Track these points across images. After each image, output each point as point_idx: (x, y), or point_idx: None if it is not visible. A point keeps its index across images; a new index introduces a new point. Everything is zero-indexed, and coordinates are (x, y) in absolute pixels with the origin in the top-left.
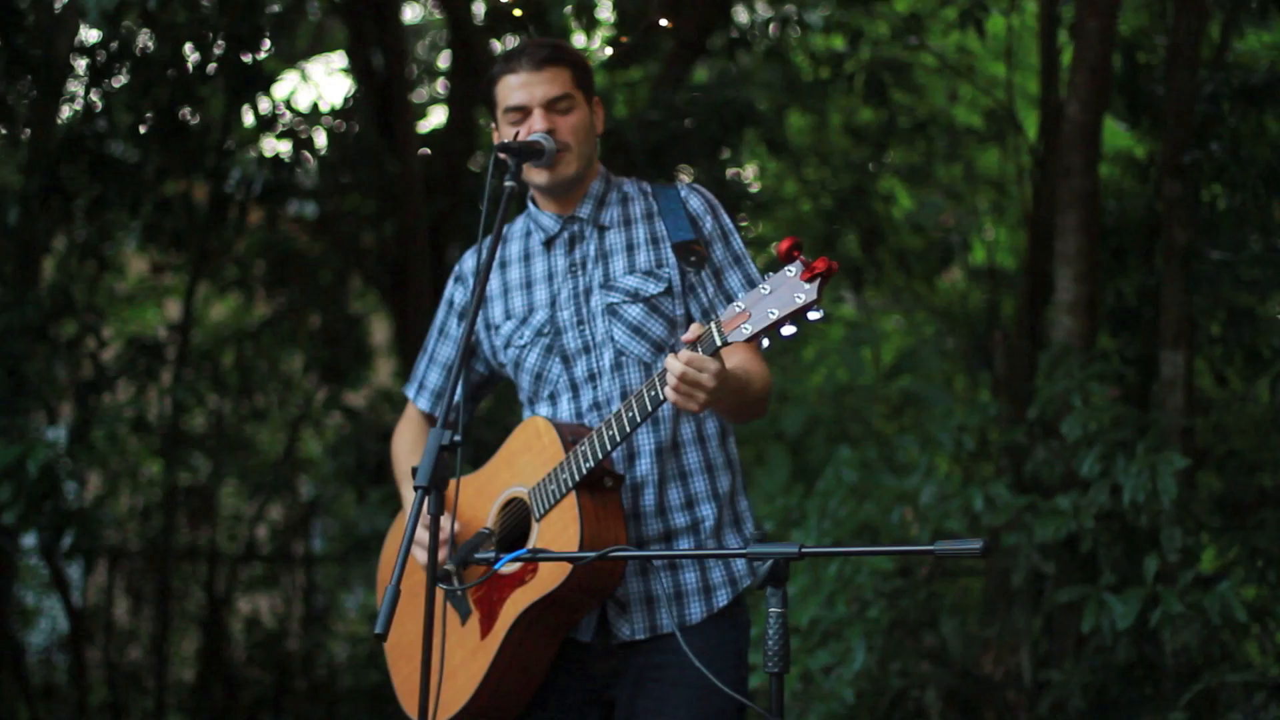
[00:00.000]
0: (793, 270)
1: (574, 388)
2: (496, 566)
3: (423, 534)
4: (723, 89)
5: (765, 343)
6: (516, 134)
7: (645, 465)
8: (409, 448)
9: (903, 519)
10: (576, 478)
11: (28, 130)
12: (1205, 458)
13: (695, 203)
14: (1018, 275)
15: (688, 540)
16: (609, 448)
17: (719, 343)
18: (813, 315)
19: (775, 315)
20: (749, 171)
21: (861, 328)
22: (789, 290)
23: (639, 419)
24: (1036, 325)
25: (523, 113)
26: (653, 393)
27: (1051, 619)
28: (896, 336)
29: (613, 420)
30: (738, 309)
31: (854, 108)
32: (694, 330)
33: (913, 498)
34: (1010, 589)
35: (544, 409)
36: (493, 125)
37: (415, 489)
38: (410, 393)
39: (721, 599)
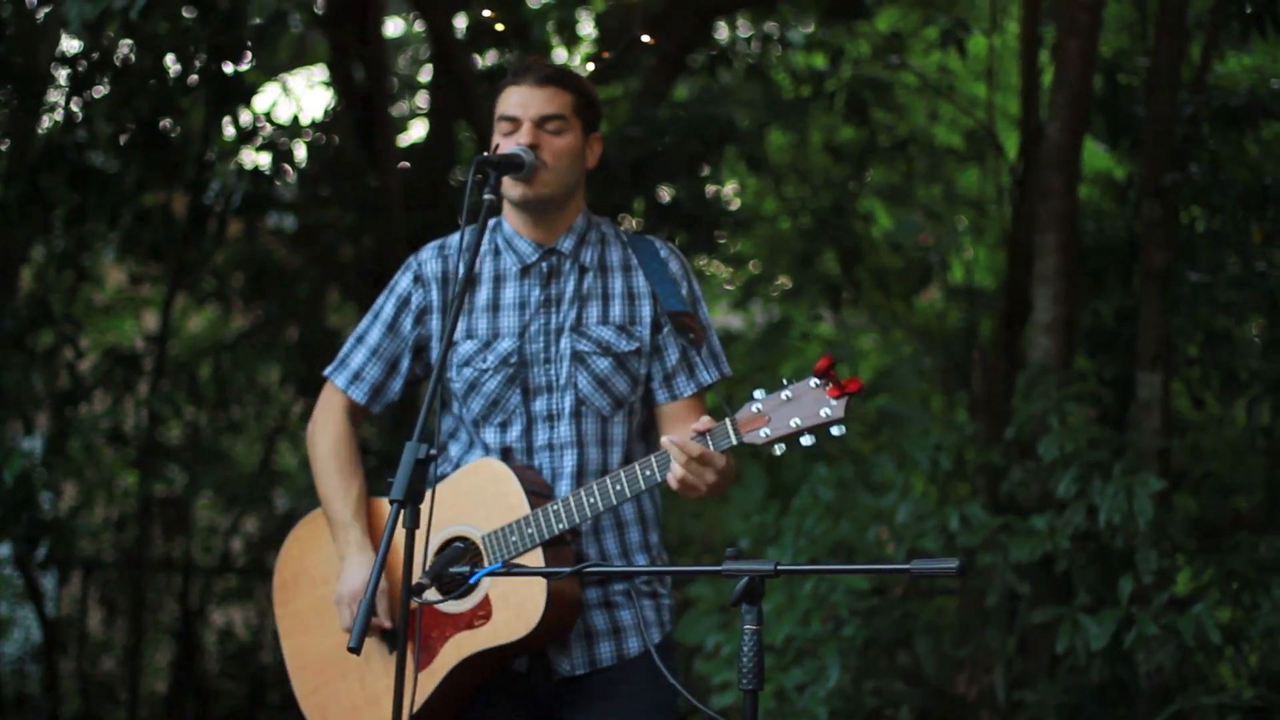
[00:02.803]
0: (816, 383)
1: (529, 421)
2: (473, 580)
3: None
4: (703, 106)
5: (780, 449)
6: (497, 145)
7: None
8: (335, 446)
9: (878, 538)
10: (544, 536)
11: (7, 140)
12: (1181, 479)
13: (675, 266)
14: (996, 295)
15: (622, 584)
16: (588, 515)
17: (733, 441)
18: (836, 431)
19: (798, 425)
20: (729, 189)
21: (839, 346)
22: (815, 403)
23: (628, 495)
24: (1014, 345)
25: (514, 124)
26: (648, 472)
27: (1026, 639)
28: (874, 355)
29: (595, 490)
30: (755, 410)
31: (834, 126)
32: (705, 422)
33: (889, 517)
34: (985, 609)
35: (491, 434)
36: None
37: (391, 502)
38: (340, 381)
39: (655, 636)
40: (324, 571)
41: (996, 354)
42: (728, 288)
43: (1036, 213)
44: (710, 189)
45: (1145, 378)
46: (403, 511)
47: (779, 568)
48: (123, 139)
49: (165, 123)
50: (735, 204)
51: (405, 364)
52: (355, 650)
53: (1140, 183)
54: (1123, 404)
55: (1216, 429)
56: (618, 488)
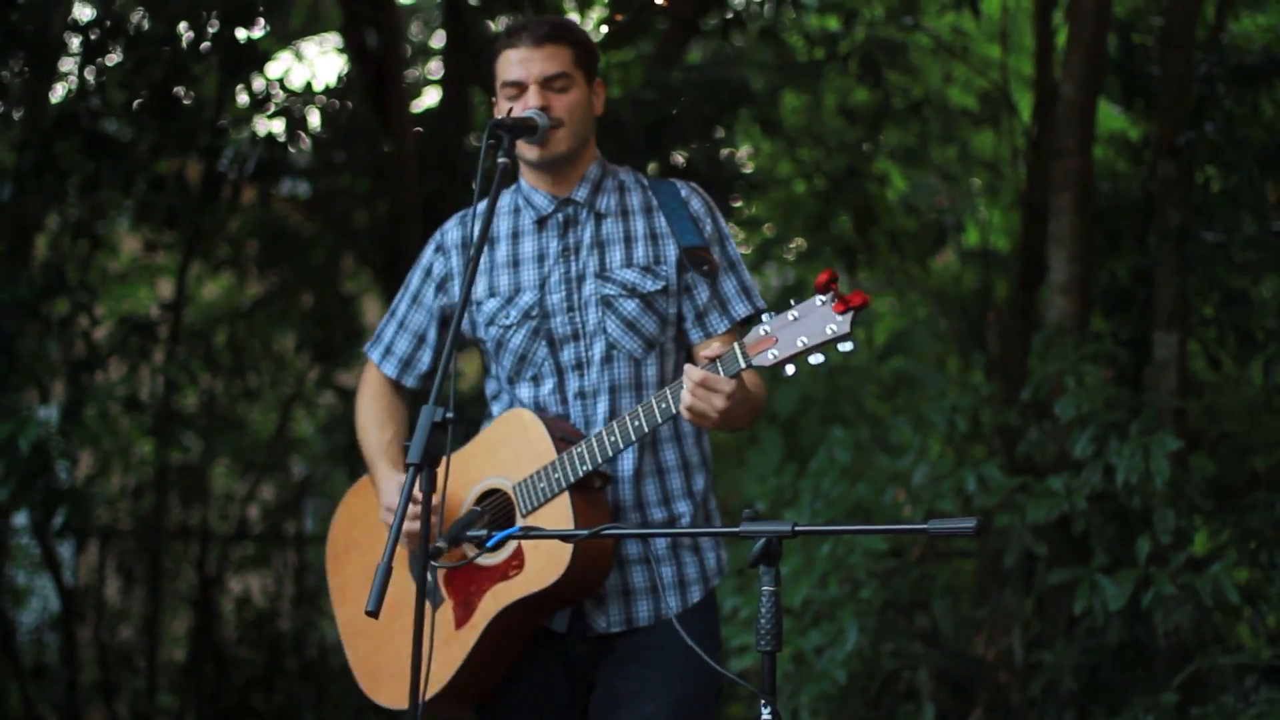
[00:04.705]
0: (822, 300)
1: (559, 372)
2: (489, 544)
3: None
4: (717, 69)
5: (790, 370)
6: (510, 110)
7: (624, 460)
8: (377, 419)
9: (895, 500)
10: (570, 479)
11: (21, 108)
12: (1198, 440)
13: (696, 204)
14: (1011, 257)
15: (663, 539)
16: (610, 454)
17: (742, 365)
18: (844, 347)
19: (805, 344)
20: (743, 152)
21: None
22: (820, 320)
23: (646, 429)
24: (1030, 306)
25: (519, 88)
26: (663, 404)
27: (1043, 600)
28: (890, 317)
29: (615, 427)
30: (763, 333)
31: (848, 88)
32: (715, 348)
33: (905, 478)
34: (1002, 570)
35: (525, 390)
36: (493, 100)
37: (407, 466)
38: (375, 355)
39: (695, 595)
40: (371, 539)
41: (1012, 315)
42: (742, 251)
43: (1051, 174)
44: (724, 152)
45: (1161, 338)
46: (419, 475)
47: (797, 528)
48: (136, 106)
49: (179, 90)
50: (749, 167)
51: (432, 335)
52: (373, 614)
53: (1155, 143)
54: (1139, 364)
55: (1233, 389)
56: (636, 423)
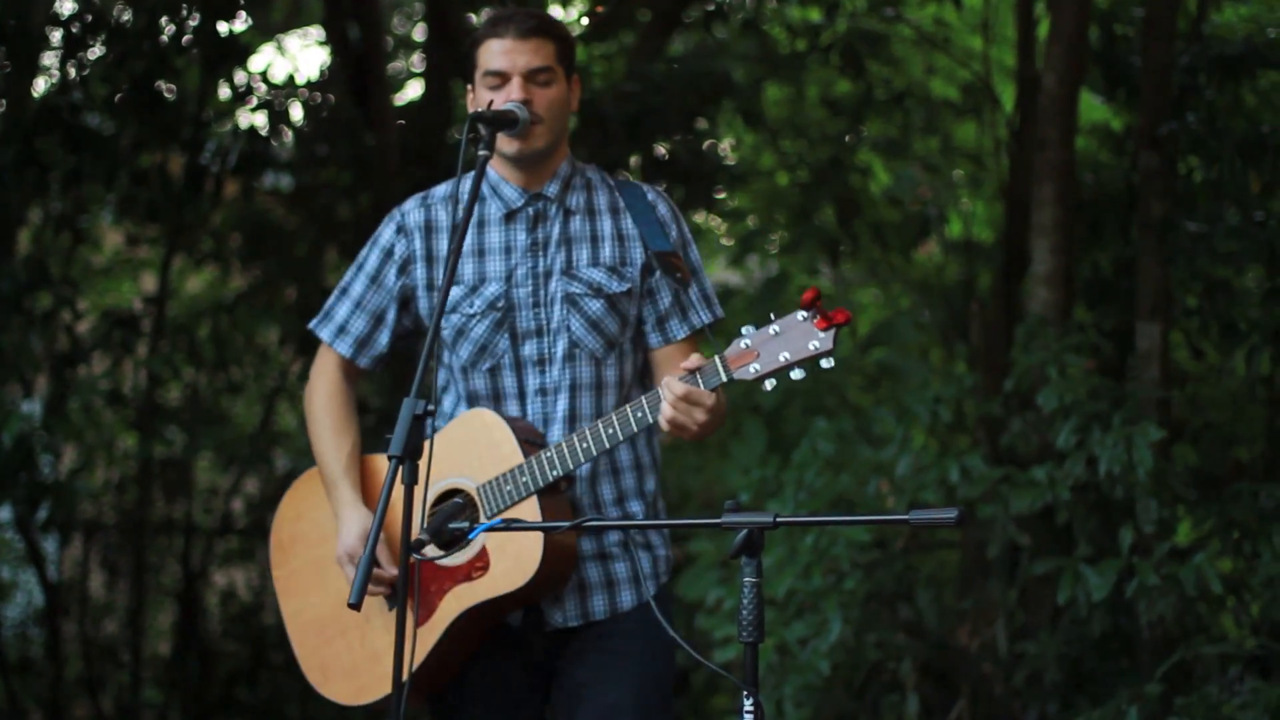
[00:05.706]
0: (803, 316)
1: (518, 366)
2: (471, 536)
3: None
4: (699, 61)
5: (770, 384)
6: (491, 102)
7: None
8: (333, 424)
9: (879, 491)
10: (539, 484)
11: (3, 102)
12: (1181, 430)
13: (663, 209)
14: (994, 248)
15: (617, 535)
16: (581, 460)
17: (723, 379)
18: (825, 364)
19: (788, 360)
20: (725, 144)
21: (837, 300)
22: (803, 336)
23: (620, 437)
24: (1013, 297)
25: (502, 79)
26: (639, 414)
27: (1027, 591)
28: (873, 309)
29: (588, 434)
30: (744, 346)
31: (831, 80)
32: (695, 360)
33: (889, 469)
34: (986, 561)
35: (480, 381)
36: (469, 88)
37: (389, 458)
38: (326, 334)
39: (650, 589)
40: (320, 531)
41: (995, 306)
42: (725, 243)
43: (1034, 165)
44: (707, 144)
45: (1144, 328)
46: (401, 467)
47: (778, 519)
48: (118, 100)
49: (160, 84)
50: (732, 159)
51: (391, 316)
52: (355, 607)
53: (1137, 133)
54: (1122, 355)
55: (1216, 379)
56: (609, 431)
